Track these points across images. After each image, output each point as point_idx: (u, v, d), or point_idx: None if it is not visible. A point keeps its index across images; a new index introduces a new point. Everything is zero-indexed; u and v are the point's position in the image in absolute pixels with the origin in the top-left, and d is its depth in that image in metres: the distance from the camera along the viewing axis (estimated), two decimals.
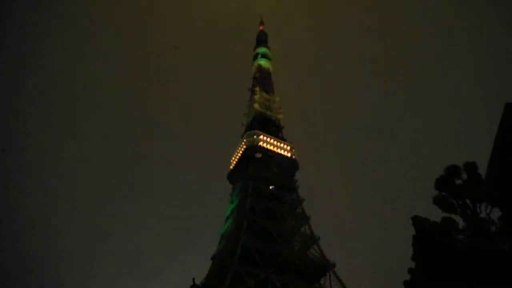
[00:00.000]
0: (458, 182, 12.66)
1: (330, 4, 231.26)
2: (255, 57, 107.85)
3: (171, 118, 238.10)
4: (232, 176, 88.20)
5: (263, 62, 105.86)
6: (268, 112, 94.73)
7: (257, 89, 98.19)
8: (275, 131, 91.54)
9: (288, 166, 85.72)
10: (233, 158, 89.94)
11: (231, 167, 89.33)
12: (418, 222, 11.93)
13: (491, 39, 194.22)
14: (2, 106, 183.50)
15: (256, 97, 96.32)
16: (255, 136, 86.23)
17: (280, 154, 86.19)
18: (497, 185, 12.18)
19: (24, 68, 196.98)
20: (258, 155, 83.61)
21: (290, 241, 73.44)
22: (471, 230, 11.61)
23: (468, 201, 12.25)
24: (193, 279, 59.38)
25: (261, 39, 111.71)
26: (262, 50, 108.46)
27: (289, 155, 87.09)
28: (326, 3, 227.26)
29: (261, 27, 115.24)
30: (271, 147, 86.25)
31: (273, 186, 80.00)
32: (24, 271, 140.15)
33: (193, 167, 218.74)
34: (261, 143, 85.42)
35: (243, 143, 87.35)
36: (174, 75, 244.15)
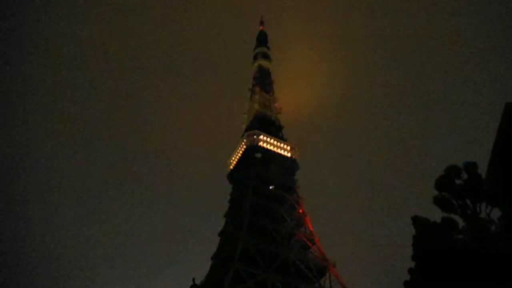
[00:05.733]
0: (458, 182, 12.64)
1: (332, 4, 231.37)
2: (255, 57, 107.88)
3: (170, 118, 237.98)
4: (232, 176, 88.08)
5: (263, 62, 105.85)
6: (268, 112, 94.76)
7: (257, 89, 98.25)
8: (275, 131, 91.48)
9: (288, 166, 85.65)
10: (233, 158, 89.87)
11: (231, 167, 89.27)
12: (418, 222, 11.93)
13: (492, 39, 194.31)
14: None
15: (256, 97, 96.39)
16: (255, 136, 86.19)
17: (280, 154, 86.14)
18: (497, 185, 12.19)
19: (24, 69, 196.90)
20: (258, 155, 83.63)
21: (290, 241, 73.41)
22: (471, 230, 11.60)
23: (468, 201, 12.25)
24: (193, 279, 59.45)
25: (261, 39, 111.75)
26: (262, 50, 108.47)
27: (289, 155, 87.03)
28: (327, 3, 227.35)
29: (261, 27, 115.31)
30: (271, 147, 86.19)
31: (273, 186, 79.94)
32: (25, 273, 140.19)
33: (193, 167, 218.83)
34: (261, 143, 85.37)
35: (243, 143, 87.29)
36: (173, 74, 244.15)
